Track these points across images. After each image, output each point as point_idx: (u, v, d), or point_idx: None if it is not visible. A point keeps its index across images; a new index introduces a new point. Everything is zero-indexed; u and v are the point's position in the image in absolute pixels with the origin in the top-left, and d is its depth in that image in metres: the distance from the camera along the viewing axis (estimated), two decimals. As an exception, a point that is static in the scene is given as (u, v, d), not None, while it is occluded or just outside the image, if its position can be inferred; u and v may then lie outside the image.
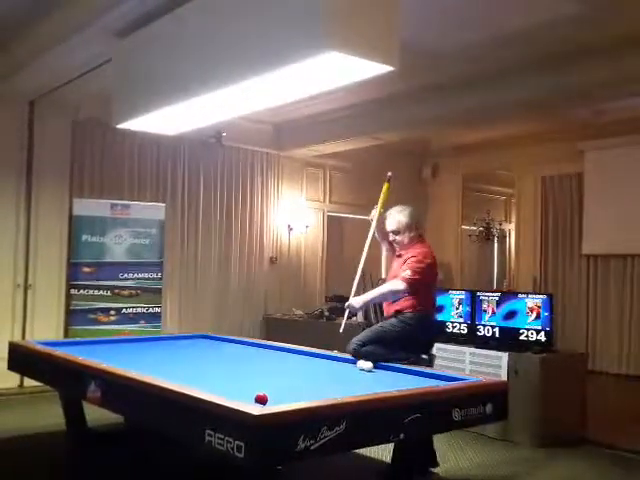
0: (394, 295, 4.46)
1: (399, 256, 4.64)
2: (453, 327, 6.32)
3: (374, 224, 4.77)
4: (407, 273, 4.40)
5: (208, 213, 9.06)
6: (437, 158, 11.44)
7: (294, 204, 9.98)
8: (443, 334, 6.24)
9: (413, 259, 4.46)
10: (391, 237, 4.67)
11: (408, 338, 4.44)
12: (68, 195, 7.71)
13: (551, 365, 5.59)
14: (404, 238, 4.61)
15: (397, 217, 4.61)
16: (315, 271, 10.16)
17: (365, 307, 4.57)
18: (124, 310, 7.69)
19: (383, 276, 4.92)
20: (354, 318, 7.84)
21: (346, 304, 4.61)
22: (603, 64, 6.04)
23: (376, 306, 4.69)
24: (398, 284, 4.42)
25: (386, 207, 4.79)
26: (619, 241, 8.77)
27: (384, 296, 4.49)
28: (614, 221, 8.75)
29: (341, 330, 4.56)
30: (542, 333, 5.70)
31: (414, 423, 3.29)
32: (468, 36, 5.92)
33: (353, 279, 4.76)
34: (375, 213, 4.78)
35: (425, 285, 4.52)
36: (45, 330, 7.30)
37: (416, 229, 4.66)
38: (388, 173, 4.81)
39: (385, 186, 4.82)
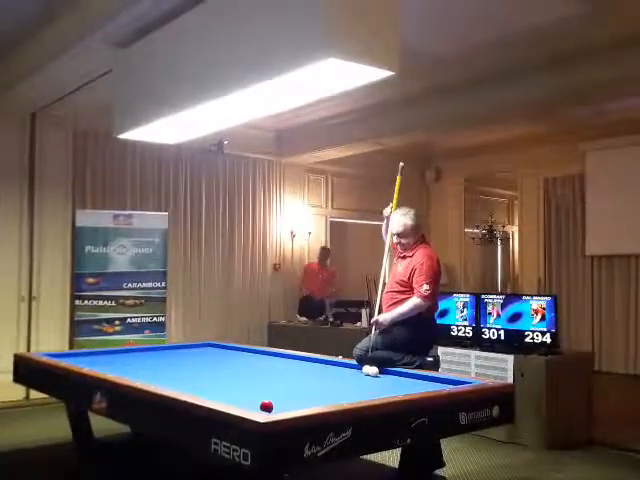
0: (418, 310, 4.44)
1: (403, 258, 4.64)
2: (458, 330, 6.30)
3: (387, 222, 4.77)
4: (425, 289, 4.40)
5: (211, 221, 9.08)
6: (439, 162, 11.46)
7: (296, 210, 10.00)
8: (445, 335, 6.24)
9: (423, 268, 4.45)
10: (395, 239, 4.67)
11: (412, 340, 4.44)
12: (71, 206, 7.74)
13: (557, 366, 5.58)
14: (409, 241, 4.62)
15: (402, 220, 4.61)
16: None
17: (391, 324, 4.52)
18: (128, 320, 7.70)
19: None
20: (359, 323, 7.89)
21: (372, 320, 4.60)
22: (604, 64, 6.05)
23: (381, 310, 4.66)
24: (420, 303, 4.41)
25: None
26: (623, 241, 8.76)
27: (410, 313, 4.46)
28: (617, 221, 8.74)
29: (370, 352, 4.45)
30: (547, 335, 5.69)
31: (421, 428, 3.28)
32: (468, 39, 5.94)
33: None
34: (390, 210, 4.81)
35: None
36: (50, 341, 7.32)
37: (420, 230, 4.68)
38: (400, 164, 4.81)
39: (398, 179, 4.82)
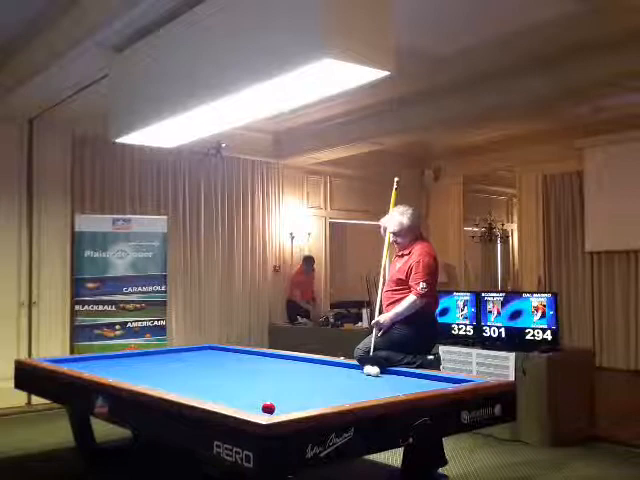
0: (416, 308, 4.45)
1: (400, 256, 4.66)
2: (459, 329, 6.31)
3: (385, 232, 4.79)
4: (421, 287, 4.41)
5: (210, 224, 9.07)
6: (438, 161, 11.46)
7: (296, 212, 10.00)
8: (446, 334, 6.25)
9: (420, 266, 4.45)
10: (392, 238, 4.69)
11: (413, 339, 4.45)
12: (70, 211, 7.74)
13: (558, 363, 5.58)
14: (406, 240, 4.63)
15: (399, 219, 4.62)
16: (318, 278, 10.15)
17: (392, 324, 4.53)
18: (129, 324, 7.69)
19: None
20: (359, 323, 7.89)
21: (373, 322, 4.61)
22: (602, 61, 6.04)
23: (381, 309, 4.67)
24: (417, 301, 4.43)
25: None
26: (622, 237, 8.76)
27: (408, 311, 4.47)
28: (616, 217, 8.74)
29: (371, 352, 4.46)
30: (548, 332, 5.69)
31: (423, 427, 3.28)
32: (467, 38, 5.94)
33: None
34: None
35: None
36: (51, 347, 7.32)
37: (417, 229, 4.69)
38: (395, 179, 4.83)
39: (393, 194, 4.84)
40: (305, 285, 9.69)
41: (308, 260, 9.72)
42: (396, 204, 4.80)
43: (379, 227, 4.93)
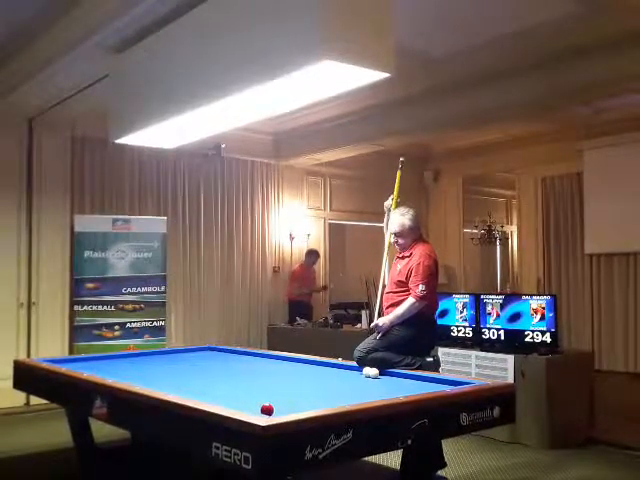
0: (415, 311, 4.45)
1: (401, 258, 4.66)
2: (458, 331, 6.31)
3: (389, 214, 4.83)
4: (420, 290, 4.41)
5: (210, 225, 9.08)
6: (438, 162, 11.45)
7: (295, 213, 9.99)
8: (446, 336, 6.25)
9: (419, 269, 4.46)
10: (393, 239, 4.70)
11: (412, 341, 4.45)
12: (69, 211, 7.74)
13: (557, 366, 5.58)
14: (407, 241, 4.64)
15: (401, 220, 4.63)
16: (318, 279, 10.14)
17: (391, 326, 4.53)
18: (128, 325, 7.69)
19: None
20: (358, 324, 7.89)
21: (372, 325, 4.62)
22: (602, 62, 6.05)
23: (381, 311, 4.67)
24: (416, 303, 4.43)
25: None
26: (621, 239, 8.74)
27: (407, 314, 4.47)
28: (615, 220, 8.72)
29: (370, 354, 4.47)
30: (547, 334, 5.69)
31: (422, 429, 3.27)
32: (465, 38, 5.94)
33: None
34: (391, 202, 4.89)
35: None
36: (50, 347, 7.31)
37: (418, 231, 4.69)
38: (400, 158, 4.87)
39: (398, 173, 4.88)
40: (304, 280, 9.65)
41: (311, 253, 9.72)
42: (400, 184, 4.83)
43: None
